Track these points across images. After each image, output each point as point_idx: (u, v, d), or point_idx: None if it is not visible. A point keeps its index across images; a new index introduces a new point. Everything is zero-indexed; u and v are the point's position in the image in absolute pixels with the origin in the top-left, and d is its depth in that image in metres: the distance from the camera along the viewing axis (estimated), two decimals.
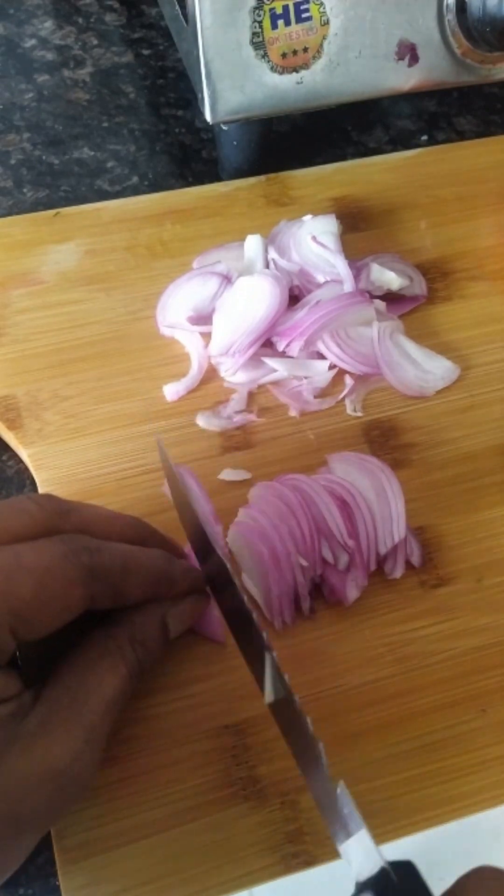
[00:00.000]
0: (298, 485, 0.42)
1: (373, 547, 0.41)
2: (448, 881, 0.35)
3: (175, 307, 0.51)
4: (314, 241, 0.51)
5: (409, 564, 0.42)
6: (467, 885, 0.28)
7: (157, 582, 0.36)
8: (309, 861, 0.35)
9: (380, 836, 0.35)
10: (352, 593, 0.40)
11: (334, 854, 0.35)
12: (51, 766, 0.30)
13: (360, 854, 0.29)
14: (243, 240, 0.53)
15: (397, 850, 0.36)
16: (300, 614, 0.41)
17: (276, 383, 0.49)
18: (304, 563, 0.40)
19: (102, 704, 0.32)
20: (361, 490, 0.42)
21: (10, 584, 0.30)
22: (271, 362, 0.48)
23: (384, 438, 0.47)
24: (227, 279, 0.50)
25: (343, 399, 0.48)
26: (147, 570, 0.35)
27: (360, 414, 0.48)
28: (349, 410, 0.48)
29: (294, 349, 0.48)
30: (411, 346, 0.50)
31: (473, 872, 0.28)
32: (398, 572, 0.42)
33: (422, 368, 0.49)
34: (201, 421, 0.47)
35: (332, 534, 0.40)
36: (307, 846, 0.35)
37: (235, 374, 0.48)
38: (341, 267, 0.51)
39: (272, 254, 0.52)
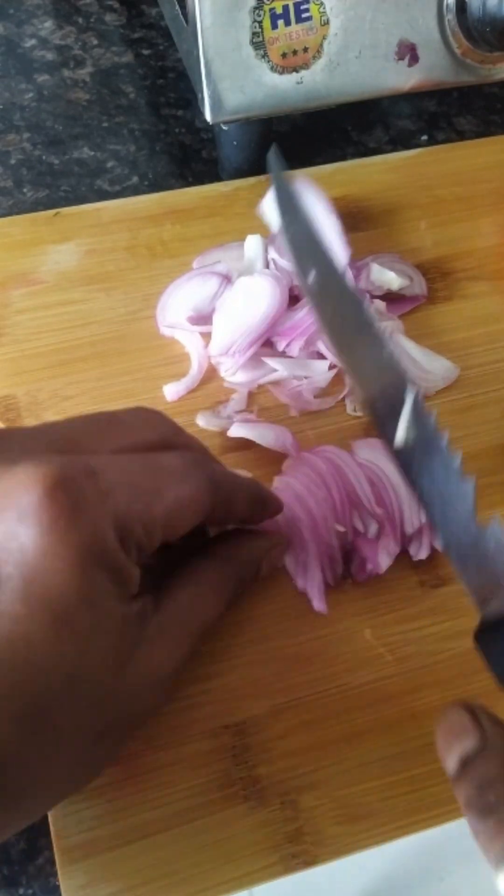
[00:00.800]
0: (330, 457, 0.44)
1: (399, 525, 0.42)
2: (448, 881, 0.35)
3: (175, 307, 0.51)
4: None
5: (410, 563, 0.42)
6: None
7: (256, 503, 0.38)
8: (309, 861, 0.35)
9: (381, 836, 0.35)
10: (384, 561, 0.41)
11: (334, 854, 0.35)
12: (159, 674, 0.32)
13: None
14: (243, 240, 0.53)
15: (398, 849, 0.36)
16: (328, 586, 0.42)
17: (276, 383, 0.49)
18: (341, 528, 0.41)
19: (204, 625, 0.35)
20: (388, 473, 0.43)
21: (168, 486, 0.32)
22: (271, 362, 0.48)
23: None
24: (227, 279, 0.50)
25: (343, 399, 0.48)
26: (250, 489, 0.38)
27: (360, 414, 0.48)
28: (349, 410, 0.48)
29: (294, 349, 0.48)
30: (411, 347, 0.50)
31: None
32: (423, 553, 0.42)
33: (422, 369, 0.49)
34: (201, 421, 0.47)
35: (361, 503, 0.42)
36: (307, 846, 0.35)
37: (235, 374, 0.48)
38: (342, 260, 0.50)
39: (272, 253, 0.52)
